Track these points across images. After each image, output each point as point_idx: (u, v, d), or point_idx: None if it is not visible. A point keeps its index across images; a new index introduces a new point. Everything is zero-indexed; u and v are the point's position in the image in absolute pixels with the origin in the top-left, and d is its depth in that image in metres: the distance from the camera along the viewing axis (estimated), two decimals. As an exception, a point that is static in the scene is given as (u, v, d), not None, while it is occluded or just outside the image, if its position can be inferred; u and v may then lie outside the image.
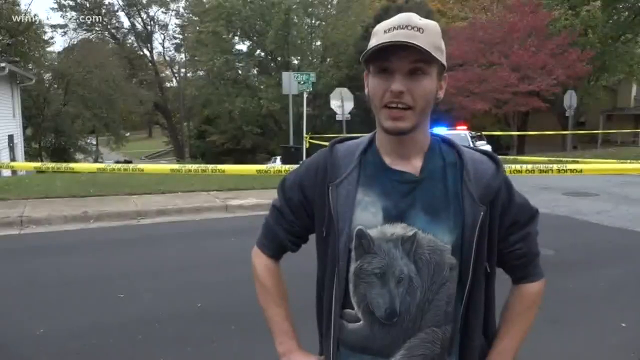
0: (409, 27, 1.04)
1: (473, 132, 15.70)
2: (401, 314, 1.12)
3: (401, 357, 1.14)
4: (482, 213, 1.11)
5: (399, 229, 1.10)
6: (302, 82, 13.82)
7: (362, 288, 1.14)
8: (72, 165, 6.15)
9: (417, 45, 1.01)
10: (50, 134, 31.69)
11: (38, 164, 7.25)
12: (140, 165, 6.19)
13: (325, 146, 1.25)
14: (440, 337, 1.15)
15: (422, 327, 1.13)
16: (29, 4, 50.89)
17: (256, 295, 1.30)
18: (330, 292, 1.17)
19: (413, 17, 1.06)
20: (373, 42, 1.07)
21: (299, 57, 35.13)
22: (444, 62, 1.09)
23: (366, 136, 1.21)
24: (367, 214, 1.12)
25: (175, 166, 5.74)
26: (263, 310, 1.29)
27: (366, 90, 1.13)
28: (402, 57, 1.04)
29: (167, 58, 50.87)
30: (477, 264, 1.13)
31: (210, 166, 5.35)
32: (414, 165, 1.14)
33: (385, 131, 1.11)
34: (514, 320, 1.25)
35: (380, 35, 1.06)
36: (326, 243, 1.17)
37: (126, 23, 46.26)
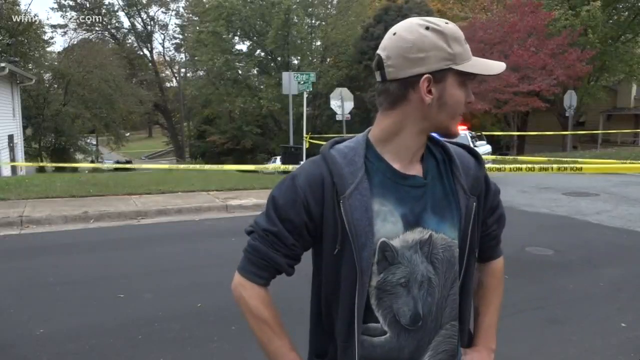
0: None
1: (473, 132, 15.69)
2: (424, 316, 1.12)
3: (428, 359, 1.15)
4: (474, 204, 1.16)
5: (416, 234, 1.10)
6: (302, 82, 13.82)
7: (388, 300, 1.11)
8: (73, 164, 6.14)
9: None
10: (50, 134, 31.64)
11: (37, 164, 7.26)
12: (135, 165, 6.20)
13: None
14: (457, 329, 1.20)
15: (443, 324, 1.16)
16: (29, 4, 51.03)
17: (252, 331, 1.19)
18: (349, 310, 1.10)
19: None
20: (460, 50, 1.06)
21: (299, 57, 35.15)
22: None
23: (358, 139, 1.15)
24: (388, 225, 1.08)
25: (174, 166, 5.72)
26: (263, 345, 1.18)
27: (427, 98, 1.05)
28: None
29: (167, 58, 51.05)
30: (470, 252, 1.18)
31: (207, 166, 5.35)
32: (417, 169, 1.14)
33: (450, 136, 1.14)
34: (490, 296, 1.34)
35: (464, 45, 1.08)
36: (339, 260, 1.09)
37: (126, 23, 46.41)
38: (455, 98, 1.08)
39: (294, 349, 1.19)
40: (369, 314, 1.11)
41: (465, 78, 1.08)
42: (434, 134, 1.19)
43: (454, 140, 1.21)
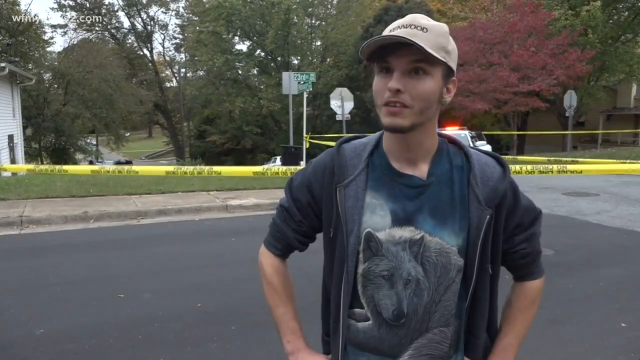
0: (412, 27, 1.02)
1: (472, 132, 15.70)
2: (408, 315, 1.13)
3: (408, 357, 1.16)
4: (487, 216, 1.12)
5: (407, 232, 1.11)
6: (302, 82, 13.80)
7: (370, 289, 1.15)
8: (65, 167, 6.11)
9: (413, 42, 0.98)
10: (50, 134, 31.59)
11: (31, 166, 7.21)
12: (135, 168, 6.17)
13: (328, 146, 1.25)
14: (448, 337, 1.17)
15: (430, 327, 1.15)
16: (29, 4, 51.09)
17: (264, 294, 1.30)
18: (338, 292, 1.17)
19: (419, 17, 1.04)
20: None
21: (299, 57, 35.17)
22: (451, 63, 1.06)
23: (372, 136, 1.20)
24: (376, 217, 1.12)
25: (171, 168, 5.66)
26: (270, 309, 1.29)
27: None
28: (400, 55, 1.02)
29: (167, 58, 50.98)
30: (481, 265, 1.14)
31: (206, 168, 5.32)
32: (421, 169, 1.13)
33: (384, 129, 1.10)
34: (516, 317, 1.27)
35: (385, 34, 1.05)
36: (333, 244, 1.17)
37: (126, 23, 46.44)
38: (374, 85, 1.08)
39: (296, 318, 1.29)
40: (356, 299, 1.17)
41: (381, 64, 1.06)
42: (455, 138, 1.20)
43: (485, 149, 1.21)
